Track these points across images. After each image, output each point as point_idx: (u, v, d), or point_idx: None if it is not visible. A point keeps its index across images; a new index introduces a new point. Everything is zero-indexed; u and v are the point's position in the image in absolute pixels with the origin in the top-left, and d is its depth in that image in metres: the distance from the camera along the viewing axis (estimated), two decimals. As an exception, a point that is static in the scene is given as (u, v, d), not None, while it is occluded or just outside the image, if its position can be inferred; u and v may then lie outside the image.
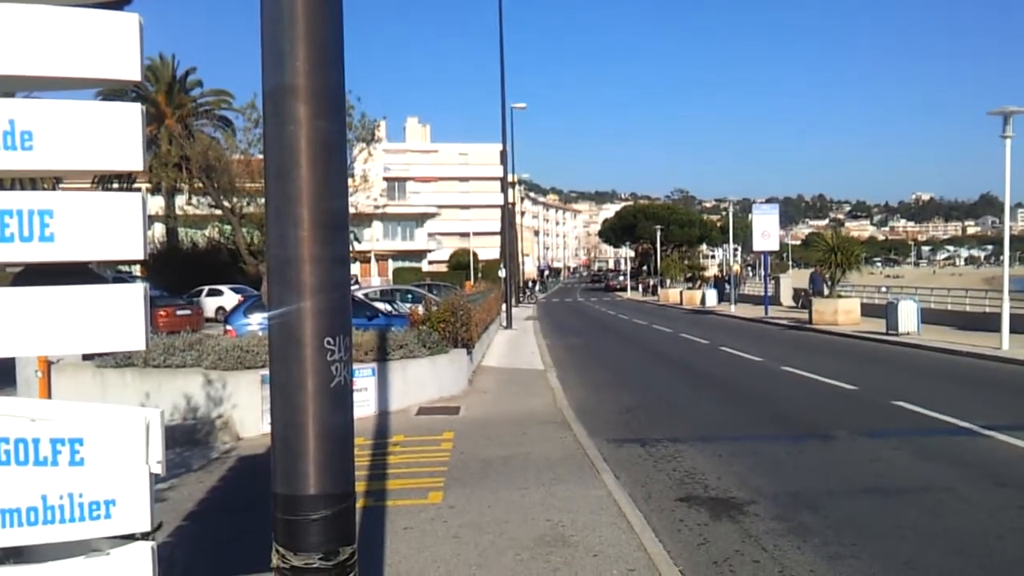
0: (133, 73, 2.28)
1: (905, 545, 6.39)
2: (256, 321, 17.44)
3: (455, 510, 7.31)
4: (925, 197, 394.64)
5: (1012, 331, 20.18)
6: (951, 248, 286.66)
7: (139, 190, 2.35)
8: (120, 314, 2.30)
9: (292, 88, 2.39)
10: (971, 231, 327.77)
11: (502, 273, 36.55)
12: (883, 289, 36.94)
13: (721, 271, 53.10)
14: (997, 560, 6.01)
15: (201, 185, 24.38)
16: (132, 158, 2.32)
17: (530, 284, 66.14)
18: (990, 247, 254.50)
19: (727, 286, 49.59)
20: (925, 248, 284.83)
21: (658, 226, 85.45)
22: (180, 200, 37.74)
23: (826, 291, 31.54)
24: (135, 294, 2.32)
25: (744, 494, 7.99)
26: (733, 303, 45.33)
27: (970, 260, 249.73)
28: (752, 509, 7.49)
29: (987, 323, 24.68)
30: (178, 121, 43.78)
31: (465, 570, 5.81)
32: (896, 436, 10.54)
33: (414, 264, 77.74)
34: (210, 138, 32.08)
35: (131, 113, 2.30)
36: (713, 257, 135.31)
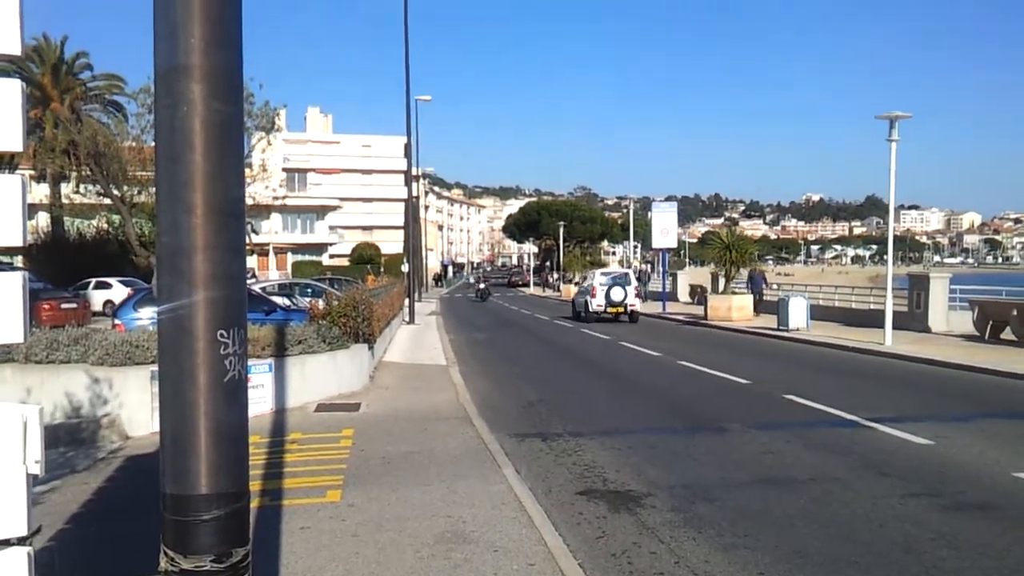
0: (12, 46, 2.13)
1: (796, 534, 6.61)
2: (147, 315, 16.79)
3: (354, 508, 7.20)
4: (815, 198, 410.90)
5: (894, 327, 21.20)
6: (839, 247, 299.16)
7: (20, 175, 2.19)
8: (-6, 304, 2.15)
9: (186, 67, 2.27)
10: (857, 231, 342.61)
11: (405, 268, 36.28)
12: (775, 286, 38.20)
13: (643, 266, 53.87)
14: (880, 546, 6.28)
15: (90, 172, 23.35)
16: (11, 137, 2.16)
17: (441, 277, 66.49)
18: (875, 247, 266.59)
19: (637, 283, 50.25)
20: (815, 247, 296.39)
21: (561, 222, 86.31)
22: (67, 188, 36.02)
23: (721, 287, 32.46)
24: (12, 282, 2.17)
25: (641, 487, 8.13)
26: (643, 299, 46.06)
27: (856, 259, 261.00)
28: (649, 501, 7.62)
29: (872, 319, 25.87)
30: (66, 106, 41.77)
31: (364, 568, 5.72)
32: (787, 428, 10.91)
33: (315, 258, 76.28)
34: (100, 124, 30.76)
35: (10, 88, 2.15)
36: (614, 254, 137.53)
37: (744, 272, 34.19)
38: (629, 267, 51.19)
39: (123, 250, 29.96)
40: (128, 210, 22.35)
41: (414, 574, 5.61)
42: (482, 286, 58.71)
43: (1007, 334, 21.66)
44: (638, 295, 34.34)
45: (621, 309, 32.58)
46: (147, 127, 21.57)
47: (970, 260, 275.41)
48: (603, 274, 34.94)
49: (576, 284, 43.12)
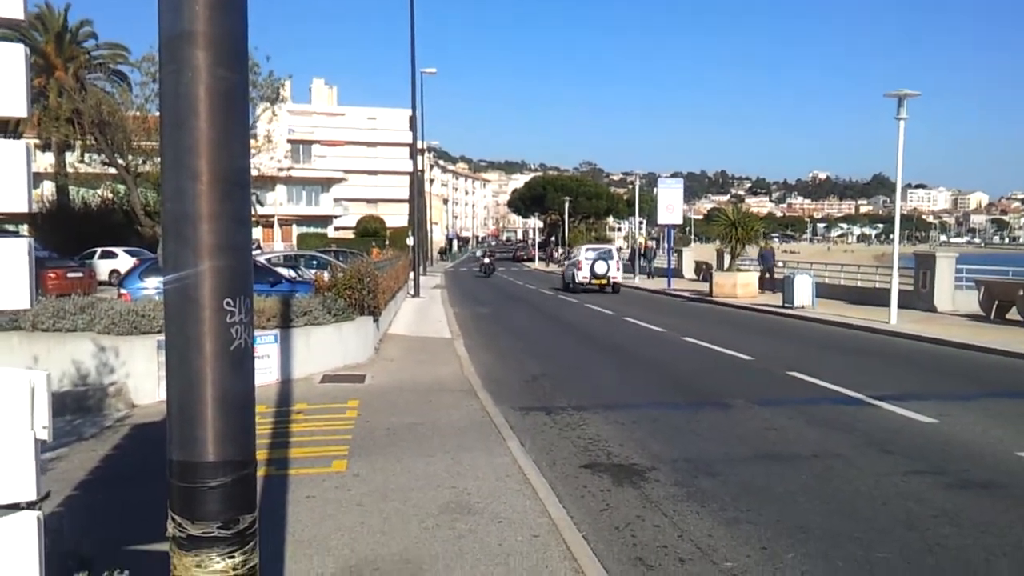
0: (15, 9, 2.11)
1: (798, 509, 6.64)
2: (152, 285, 16.83)
3: (359, 478, 7.24)
4: (822, 176, 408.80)
5: (900, 306, 21.17)
6: (845, 226, 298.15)
7: (25, 142, 2.18)
8: (2, 270, 2.14)
9: (190, 34, 2.24)
10: (864, 210, 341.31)
11: (410, 241, 36.25)
12: (780, 264, 38.11)
13: (638, 243, 53.72)
14: (882, 523, 6.30)
15: (94, 141, 23.30)
16: (15, 103, 2.15)
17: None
18: (881, 226, 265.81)
19: (642, 259, 50.14)
20: (820, 225, 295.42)
21: (567, 197, 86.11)
22: (71, 157, 35.94)
23: (726, 264, 32.42)
24: (19, 248, 2.16)
25: (645, 461, 8.16)
26: (650, 276, 46.08)
27: (862, 238, 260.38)
28: (653, 475, 7.65)
29: (877, 298, 25.80)
30: (70, 75, 41.59)
31: (369, 538, 5.76)
32: (790, 405, 10.93)
33: (319, 230, 76.27)
34: (104, 93, 30.65)
35: (14, 53, 2.13)
36: (619, 229, 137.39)
37: (750, 249, 34.10)
38: (635, 243, 51.41)
39: (128, 219, 29.99)
40: (133, 179, 22.32)
41: (419, 544, 5.65)
42: (487, 261, 56.19)
43: (1013, 314, 21.61)
44: (618, 268, 36.90)
45: (604, 281, 34.94)
46: (151, 96, 21.49)
47: (976, 240, 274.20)
48: (588, 250, 37.26)
49: (567, 259, 44.73)
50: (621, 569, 5.47)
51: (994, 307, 22.16)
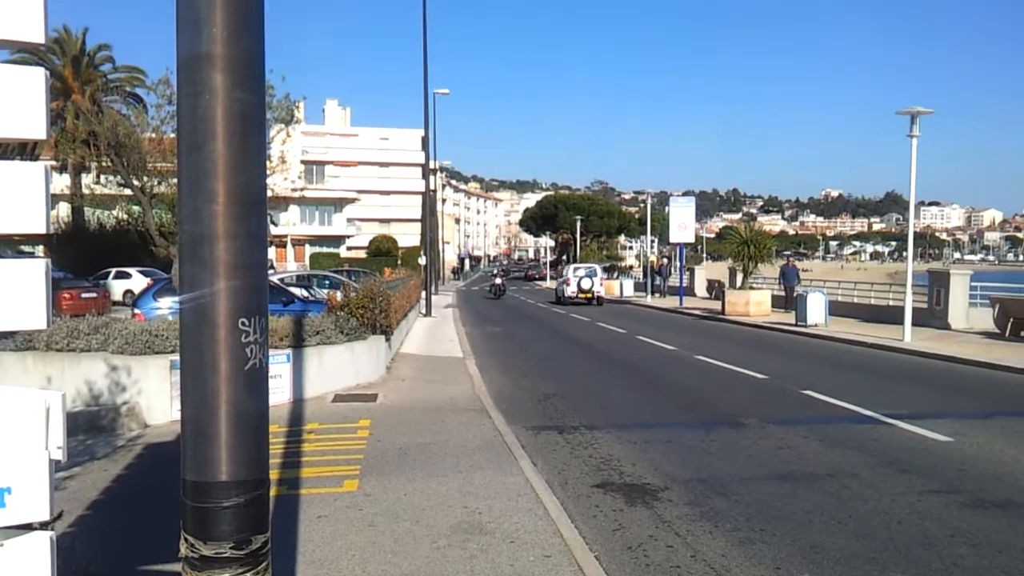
0: (36, 34, 2.14)
1: (812, 529, 6.59)
2: (166, 305, 16.92)
3: (371, 498, 7.23)
4: (834, 194, 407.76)
5: (914, 324, 21.04)
6: (857, 243, 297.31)
7: (43, 164, 2.21)
8: (19, 290, 2.16)
9: (208, 56, 2.27)
10: (876, 227, 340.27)
11: (422, 260, 36.33)
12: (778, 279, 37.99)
13: (654, 261, 53.67)
14: (898, 543, 6.24)
15: (110, 163, 23.51)
16: (35, 126, 2.18)
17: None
18: (894, 243, 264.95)
19: (658, 277, 49.97)
20: (833, 243, 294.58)
21: (578, 216, 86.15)
22: (87, 179, 36.26)
23: (738, 282, 32.33)
24: (36, 269, 2.18)
25: (658, 480, 8.12)
26: (663, 295, 45.89)
27: (875, 255, 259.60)
28: (665, 495, 7.61)
29: (890, 316, 25.67)
30: (87, 98, 42.06)
31: (381, 558, 5.75)
32: (804, 424, 10.86)
33: (332, 249, 76.49)
34: (120, 115, 30.92)
35: (34, 77, 2.16)
36: (631, 248, 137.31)
37: (762, 267, 33.97)
38: (647, 261, 52.19)
39: (143, 240, 30.17)
40: (148, 200, 22.47)
41: (430, 564, 5.63)
42: (498, 281, 51.36)
43: (1028, 331, 21.44)
44: (602, 283, 43.17)
45: (589, 295, 40.60)
46: (167, 118, 21.68)
47: (991, 257, 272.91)
48: (576, 269, 43.37)
49: (559, 276, 48.90)
50: (634, 590, 5.43)
51: (1009, 324, 21.99)
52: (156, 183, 22.40)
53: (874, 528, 6.62)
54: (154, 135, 21.63)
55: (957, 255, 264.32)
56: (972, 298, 25.89)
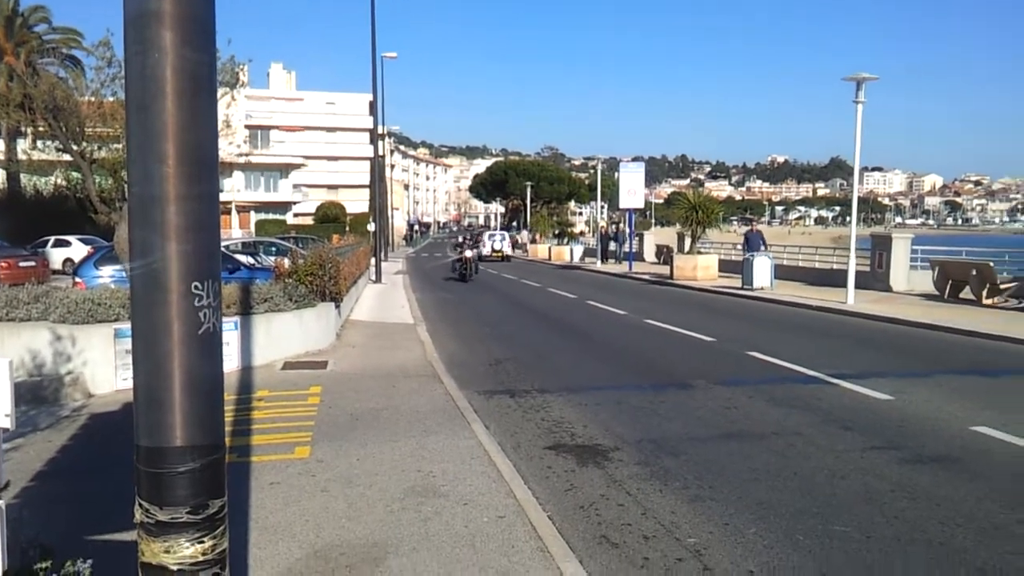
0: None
1: (759, 486, 6.76)
2: (108, 273, 16.59)
3: (323, 464, 7.23)
4: (780, 159, 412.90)
5: (857, 286, 21.55)
6: (802, 208, 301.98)
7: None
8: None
9: (156, 13, 2.21)
10: (821, 192, 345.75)
11: (371, 227, 36.03)
12: (739, 247, 38.49)
13: (603, 227, 53.94)
14: (841, 498, 6.45)
15: (47, 128, 22.71)
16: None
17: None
18: (838, 208, 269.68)
19: (612, 243, 49.99)
20: (779, 208, 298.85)
21: (528, 182, 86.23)
22: (23, 144, 35.11)
23: (687, 247, 32.71)
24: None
25: (609, 441, 8.24)
26: (619, 260, 45.96)
27: (819, 220, 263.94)
28: (616, 455, 7.74)
29: (834, 279, 26.24)
30: (21, 60, 40.58)
31: (334, 523, 5.76)
32: (750, 384, 11.09)
33: (278, 216, 75.47)
34: (57, 78, 29.90)
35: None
36: (581, 214, 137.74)
37: (710, 232, 34.34)
38: (598, 228, 54.06)
39: (82, 208, 29.29)
40: (88, 166, 21.77)
41: (385, 527, 5.66)
42: (468, 254, 34.01)
43: (966, 293, 22.09)
44: (513, 245, 59.98)
45: (500, 253, 54.13)
46: (107, 81, 21.02)
47: (931, 221, 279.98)
48: (490, 235, 58.58)
49: (477, 243, 53.07)
50: (586, 547, 5.53)
51: (948, 286, 22.64)
52: (96, 148, 21.68)
53: (818, 484, 6.81)
54: (93, 99, 20.93)
55: (898, 219, 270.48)
56: (913, 261, 26.58)
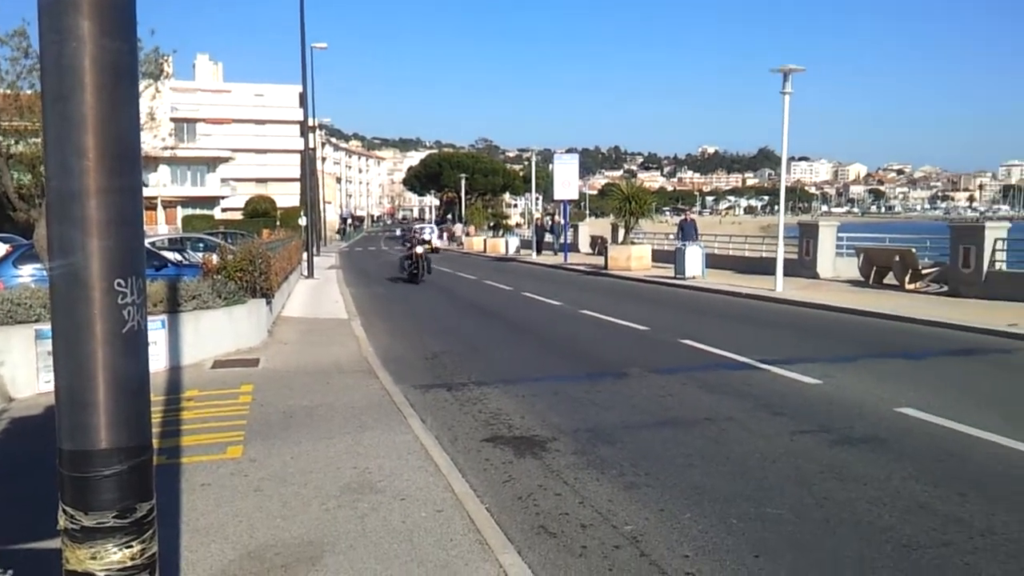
0: None
1: (694, 472, 6.87)
2: (28, 272, 16.02)
3: (256, 463, 7.11)
4: (711, 150, 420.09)
5: (785, 274, 22.07)
6: (732, 198, 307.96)
7: None
8: None
9: (73, 1, 2.13)
10: (750, 182, 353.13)
11: (303, 221, 35.54)
12: (672, 236, 39.06)
13: (538, 219, 54.20)
14: (772, 481, 6.59)
15: (-41, 121, 21.87)
16: None
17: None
18: (766, 197, 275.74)
19: (549, 235, 50.03)
20: (709, 198, 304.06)
21: (463, 175, 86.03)
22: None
23: (620, 238, 33.04)
24: None
25: (546, 432, 8.28)
26: (556, 252, 46.03)
27: (748, 210, 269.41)
28: (553, 446, 7.78)
29: (764, 267, 26.82)
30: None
31: (268, 523, 5.67)
32: (684, 372, 11.26)
33: (206, 211, 73.67)
34: (-32, 69, 28.73)
35: None
36: (515, 206, 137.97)
37: (643, 223, 34.76)
38: (533, 219, 53.64)
39: (-1, 204, 28.33)
40: (5, 161, 21.05)
41: (321, 525, 5.60)
42: (419, 250, 29.37)
43: (889, 279, 22.82)
44: (439, 237, 58.79)
45: (430, 245, 47.10)
46: (24, 73, 20.33)
47: (856, 210, 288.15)
48: (421, 228, 52.21)
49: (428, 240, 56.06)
50: (525, 538, 5.55)
51: (872, 273, 23.35)
52: (13, 142, 20.97)
53: (750, 468, 6.96)
54: (9, 91, 20.22)
55: (825, 208, 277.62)
56: (839, 249, 27.35)
